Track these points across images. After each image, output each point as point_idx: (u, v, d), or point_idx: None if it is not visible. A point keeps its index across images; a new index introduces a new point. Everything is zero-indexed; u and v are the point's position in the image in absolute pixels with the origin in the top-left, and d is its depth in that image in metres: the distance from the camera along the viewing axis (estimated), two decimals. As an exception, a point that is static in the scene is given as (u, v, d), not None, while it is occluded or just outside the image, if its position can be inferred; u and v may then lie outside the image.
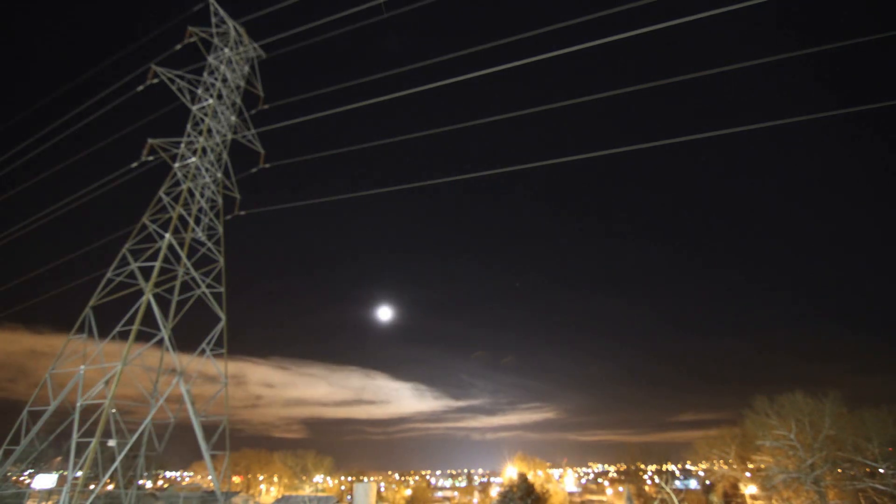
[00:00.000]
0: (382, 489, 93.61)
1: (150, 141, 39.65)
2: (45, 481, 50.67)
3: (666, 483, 65.58)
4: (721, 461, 61.50)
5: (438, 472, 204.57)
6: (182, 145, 40.01)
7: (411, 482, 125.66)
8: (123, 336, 31.85)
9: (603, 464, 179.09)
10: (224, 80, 42.81)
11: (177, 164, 39.20)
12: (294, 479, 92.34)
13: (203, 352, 35.97)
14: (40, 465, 57.79)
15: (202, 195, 39.34)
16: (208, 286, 37.60)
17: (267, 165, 44.12)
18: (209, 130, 40.95)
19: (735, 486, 63.02)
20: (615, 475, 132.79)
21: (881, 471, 42.78)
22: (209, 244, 38.67)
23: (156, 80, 40.77)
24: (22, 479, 58.12)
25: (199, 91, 41.93)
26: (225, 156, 42.32)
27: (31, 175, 46.25)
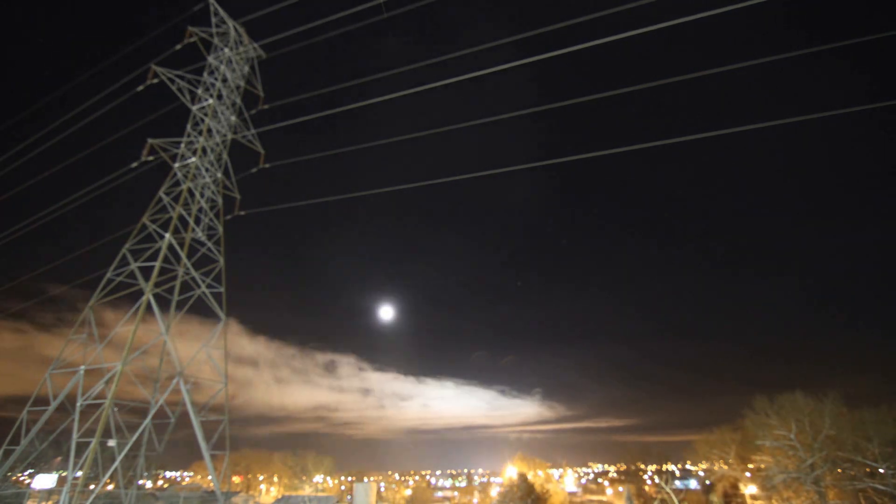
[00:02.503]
0: (382, 489, 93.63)
1: (150, 141, 39.65)
2: (45, 481, 50.74)
3: (666, 483, 65.60)
4: (721, 461, 61.54)
5: (438, 472, 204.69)
6: (182, 145, 40.02)
7: (411, 482, 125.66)
8: (123, 336, 31.89)
9: (603, 464, 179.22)
10: (224, 80, 42.83)
11: (177, 164, 39.21)
12: (294, 479, 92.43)
13: (204, 352, 35.99)
14: (40, 465, 57.85)
15: (202, 195, 39.34)
16: (208, 286, 37.62)
17: (267, 165, 44.12)
18: (209, 130, 40.96)
19: (735, 486, 63.04)
20: (615, 475, 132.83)
21: (881, 471, 42.79)
22: (209, 244, 38.68)
23: (156, 80, 40.77)
24: (22, 479, 58.17)
25: (199, 91, 41.94)
26: (225, 156, 42.33)
27: (31, 175, 46.25)
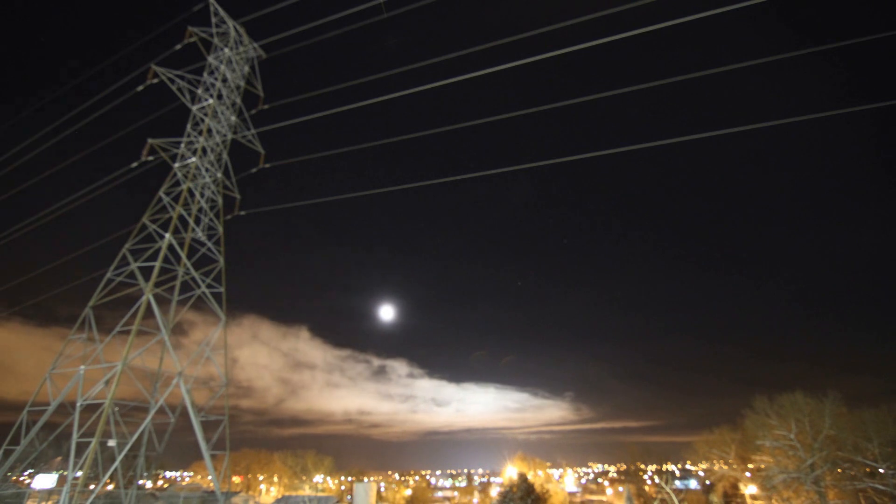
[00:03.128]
0: (382, 489, 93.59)
1: (150, 141, 39.65)
2: (45, 481, 50.75)
3: (666, 483, 65.57)
4: (721, 461, 61.51)
5: (438, 472, 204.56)
6: (182, 145, 40.02)
7: (411, 482, 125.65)
8: (123, 336, 31.89)
9: (603, 464, 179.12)
10: (224, 80, 42.81)
11: (177, 164, 39.20)
12: (294, 479, 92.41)
13: (203, 354, 36.00)
14: (40, 465, 57.84)
15: (202, 195, 39.34)
16: (208, 286, 37.63)
17: (267, 165, 44.13)
18: (209, 130, 40.95)
19: (735, 486, 63.04)
20: (615, 475, 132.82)
21: (881, 471, 42.77)
22: (209, 244, 38.68)
23: (156, 80, 40.77)
24: (22, 479, 58.17)
25: (199, 91, 41.93)
26: (225, 156, 42.33)
27: (31, 175, 46.25)
